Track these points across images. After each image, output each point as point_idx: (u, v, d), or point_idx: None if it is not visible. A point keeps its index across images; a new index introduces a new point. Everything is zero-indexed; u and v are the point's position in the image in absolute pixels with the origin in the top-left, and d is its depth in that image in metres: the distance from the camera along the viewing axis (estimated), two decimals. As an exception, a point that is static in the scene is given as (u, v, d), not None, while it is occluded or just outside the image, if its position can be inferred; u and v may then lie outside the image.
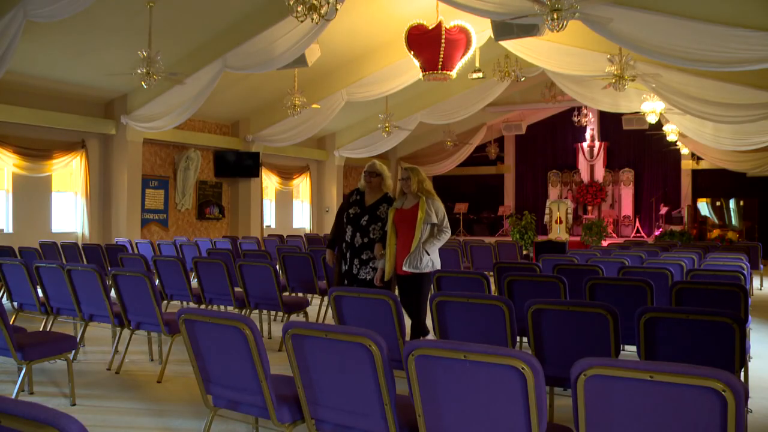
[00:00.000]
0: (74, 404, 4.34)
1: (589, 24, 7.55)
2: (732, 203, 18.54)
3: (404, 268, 5.07)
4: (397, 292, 5.25)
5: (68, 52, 10.22)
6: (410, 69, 11.86)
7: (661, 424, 2.08)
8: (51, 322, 5.97)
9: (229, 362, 3.06)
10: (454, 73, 10.84)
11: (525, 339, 4.53)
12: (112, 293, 5.32)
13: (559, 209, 16.30)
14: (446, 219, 5.23)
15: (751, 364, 4.95)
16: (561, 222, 16.15)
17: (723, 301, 4.53)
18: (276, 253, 8.56)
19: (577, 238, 16.89)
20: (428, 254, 5.07)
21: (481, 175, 22.62)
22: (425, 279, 5.15)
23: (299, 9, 6.72)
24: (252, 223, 15.71)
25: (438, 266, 5.21)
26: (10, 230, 11.50)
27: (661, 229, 18.02)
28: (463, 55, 10.69)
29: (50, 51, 10.05)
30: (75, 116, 11.99)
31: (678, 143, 17.31)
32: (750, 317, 5.11)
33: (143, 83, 8.92)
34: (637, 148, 20.25)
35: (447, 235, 5.19)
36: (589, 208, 20.30)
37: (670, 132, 15.54)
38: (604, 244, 15.61)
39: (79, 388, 4.59)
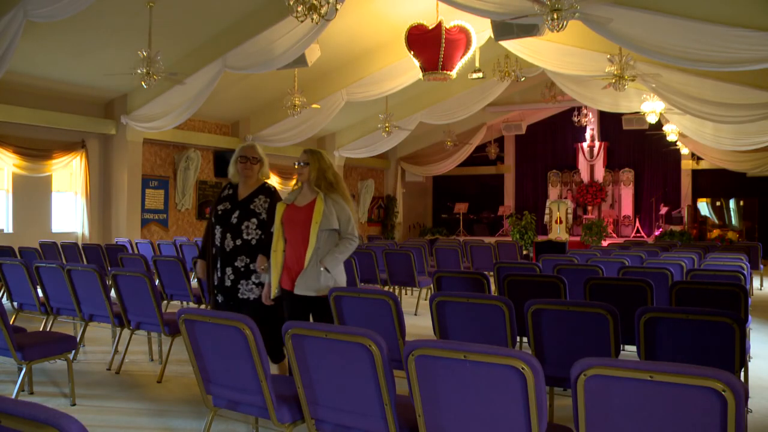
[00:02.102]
0: (74, 404, 4.34)
1: (589, 24, 7.55)
2: (732, 203, 18.54)
3: (297, 291, 3.96)
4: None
5: (68, 52, 10.22)
6: (410, 69, 11.86)
7: (661, 424, 2.08)
8: (51, 322, 5.97)
9: (229, 362, 3.06)
10: (454, 73, 10.85)
11: (525, 339, 4.53)
12: (112, 293, 5.32)
13: (559, 209, 16.30)
14: (353, 223, 4.03)
15: (751, 364, 4.96)
16: (561, 222, 16.15)
17: (723, 301, 4.53)
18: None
19: (577, 238, 16.89)
20: (328, 271, 3.94)
21: (481, 175, 22.62)
22: (324, 303, 4.01)
23: (299, 9, 6.72)
24: (252, 223, 15.68)
25: (343, 285, 4.10)
26: (10, 230, 11.50)
27: (661, 229, 18.02)
28: (463, 55, 10.69)
29: (50, 51, 10.05)
30: (75, 116, 11.99)
31: (678, 143, 17.31)
32: (750, 317, 5.11)
33: (143, 83, 8.92)
34: (637, 148, 20.25)
35: (352, 245, 4.01)
36: (589, 208, 20.30)
37: (670, 132, 15.54)
38: (604, 244, 15.62)
39: (79, 388, 4.59)
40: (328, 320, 4.04)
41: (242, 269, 4.28)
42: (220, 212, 4.40)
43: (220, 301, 4.38)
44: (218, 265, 4.35)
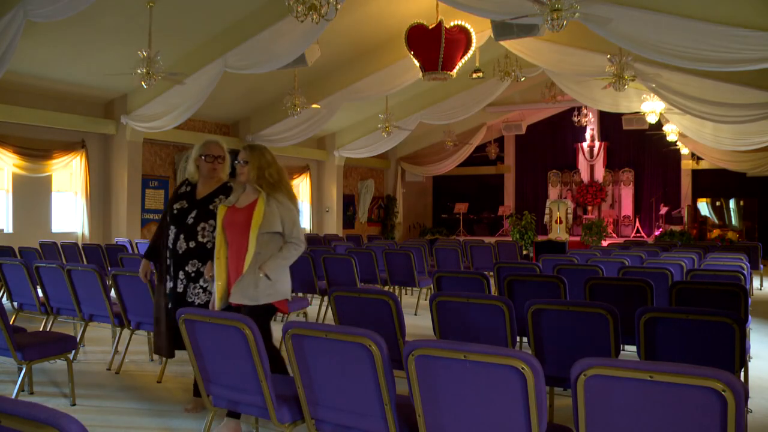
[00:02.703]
0: (74, 404, 4.34)
1: (589, 24, 7.55)
2: (732, 203, 18.53)
3: (232, 300, 3.68)
4: None
5: (68, 52, 10.22)
6: (410, 69, 11.86)
7: (661, 424, 2.08)
8: (51, 322, 5.97)
9: (229, 362, 3.06)
10: (454, 73, 10.85)
11: (525, 339, 4.53)
12: (112, 293, 5.32)
13: (559, 209, 16.31)
14: (298, 227, 3.74)
15: (751, 364, 4.96)
16: (561, 222, 16.16)
17: (723, 301, 4.53)
18: (276, 253, 8.53)
19: (577, 238, 16.89)
20: (268, 278, 3.63)
21: (481, 175, 22.62)
22: (264, 313, 3.69)
23: (299, 9, 6.72)
24: (252, 223, 15.68)
25: (287, 295, 3.80)
26: (10, 230, 11.50)
27: (661, 229, 18.02)
28: (463, 55, 10.69)
29: (50, 51, 10.05)
30: (75, 116, 11.99)
31: (678, 143, 17.31)
32: (750, 317, 5.11)
33: (143, 83, 8.91)
34: (637, 148, 20.25)
35: (297, 250, 3.72)
36: (589, 208, 20.30)
37: (670, 132, 15.55)
38: (604, 244, 15.62)
39: (79, 388, 4.59)
40: (264, 336, 3.49)
41: (193, 274, 4.01)
42: (175, 211, 4.08)
43: (170, 306, 4.07)
44: (171, 268, 4.05)
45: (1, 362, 5.04)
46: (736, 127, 12.53)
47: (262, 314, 3.67)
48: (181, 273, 4.02)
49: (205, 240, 4.01)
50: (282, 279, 3.73)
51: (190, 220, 4.03)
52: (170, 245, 4.06)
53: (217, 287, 3.72)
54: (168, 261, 4.09)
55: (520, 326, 4.23)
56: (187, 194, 4.13)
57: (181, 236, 4.02)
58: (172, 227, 4.08)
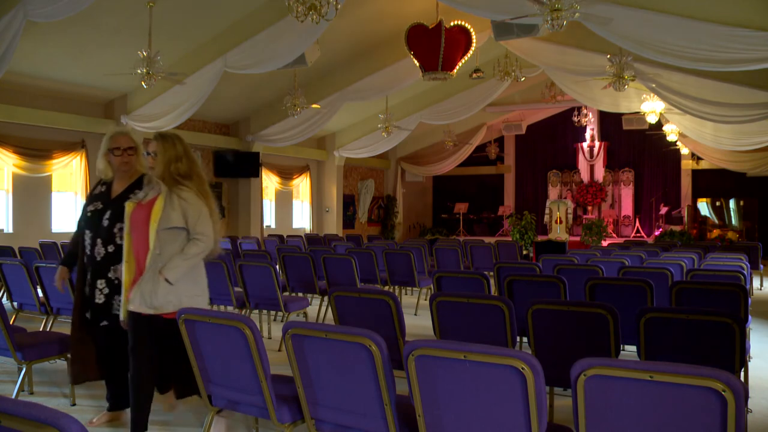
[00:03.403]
0: (74, 404, 4.34)
1: (589, 24, 7.55)
2: (732, 203, 18.53)
3: (131, 307, 3.32)
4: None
5: (68, 52, 10.22)
6: (410, 69, 11.87)
7: (661, 424, 2.08)
8: (51, 322, 5.96)
9: (229, 362, 3.06)
10: (454, 73, 10.85)
11: (525, 339, 4.53)
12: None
13: (559, 209, 16.30)
14: (204, 220, 3.35)
15: (751, 364, 4.96)
16: (561, 222, 16.15)
17: (723, 301, 4.53)
18: (276, 253, 8.56)
19: (577, 238, 16.90)
20: (169, 282, 3.26)
21: (481, 175, 22.62)
22: (170, 324, 3.28)
23: (299, 9, 6.72)
24: (252, 223, 15.71)
25: (194, 302, 3.35)
26: (10, 230, 11.50)
27: (661, 229, 18.02)
28: (463, 55, 10.69)
29: (50, 51, 10.05)
30: (75, 116, 11.99)
31: (678, 143, 17.32)
32: (750, 317, 5.11)
33: (143, 83, 8.91)
34: (637, 148, 20.25)
35: (200, 247, 3.33)
36: (589, 208, 20.30)
37: (670, 132, 15.55)
38: (604, 244, 15.62)
39: (79, 388, 4.58)
40: (176, 344, 3.22)
41: (116, 282, 3.64)
42: (89, 214, 3.74)
43: (88, 317, 3.73)
44: (88, 277, 3.71)
45: (1, 362, 5.04)
46: (736, 127, 12.53)
47: (169, 326, 3.28)
48: (101, 282, 3.68)
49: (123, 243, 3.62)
50: (187, 283, 3.33)
51: (105, 222, 3.68)
52: (88, 251, 3.72)
53: (124, 294, 3.39)
54: (86, 267, 3.74)
55: (520, 326, 4.23)
56: (102, 194, 3.79)
57: (98, 241, 3.67)
58: (87, 232, 3.74)
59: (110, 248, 3.67)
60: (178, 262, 3.28)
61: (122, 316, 3.42)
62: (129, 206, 3.43)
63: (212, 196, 3.47)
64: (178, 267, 3.28)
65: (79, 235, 3.85)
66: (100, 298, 3.70)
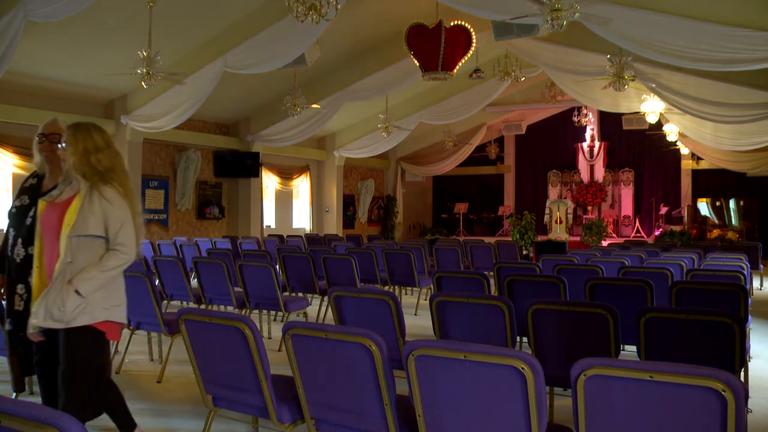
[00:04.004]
0: (74, 404, 4.33)
1: (589, 24, 7.55)
2: (732, 203, 18.53)
3: (33, 321, 2.87)
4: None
5: (68, 52, 10.22)
6: (410, 69, 11.87)
7: (660, 424, 2.08)
8: None
9: (229, 362, 3.06)
10: (454, 73, 10.85)
11: (525, 339, 4.53)
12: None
13: (559, 209, 16.30)
14: (126, 228, 2.93)
15: (751, 364, 4.96)
16: (561, 222, 16.15)
17: (723, 301, 4.53)
18: (276, 253, 8.56)
19: (577, 238, 16.90)
20: (80, 295, 2.83)
21: (481, 175, 22.62)
22: (78, 339, 2.89)
23: (299, 9, 6.72)
24: (252, 223, 15.72)
25: (112, 314, 2.98)
26: None
27: (661, 229, 18.01)
28: (463, 55, 10.69)
29: (50, 51, 10.05)
30: (75, 116, 11.97)
31: (678, 143, 17.32)
32: (750, 317, 5.11)
33: (143, 83, 8.92)
34: (637, 148, 20.25)
35: (119, 259, 2.92)
36: (589, 208, 20.30)
37: (670, 132, 15.55)
38: (604, 244, 15.62)
39: (79, 388, 4.58)
40: (80, 360, 2.91)
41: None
42: (14, 209, 3.32)
43: (8, 329, 3.31)
44: (9, 283, 3.29)
45: (1, 362, 5.04)
46: (736, 127, 12.53)
47: (80, 339, 2.89)
48: (21, 287, 3.24)
49: None
50: (101, 297, 2.91)
51: (28, 221, 3.23)
52: (8, 253, 3.29)
53: (33, 301, 2.97)
54: (8, 271, 3.32)
55: (520, 326, 4.23)
56: (32, 188, 3.34)
57: (19, 241, 3.25)
58: (11, 230, 3.32)
59: (30, 250, 3.17)
60: (94, 274, 2.85)
61: (31, 328, 2.94)
62: (41, 204, 3.01)
63: (136, 194, 3.09)
64: (93, 279, 2.85)
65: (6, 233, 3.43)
66: (19, 305, 3.25)
